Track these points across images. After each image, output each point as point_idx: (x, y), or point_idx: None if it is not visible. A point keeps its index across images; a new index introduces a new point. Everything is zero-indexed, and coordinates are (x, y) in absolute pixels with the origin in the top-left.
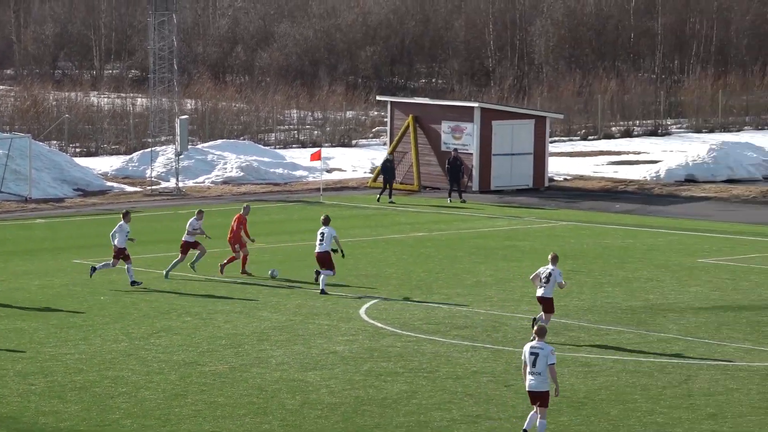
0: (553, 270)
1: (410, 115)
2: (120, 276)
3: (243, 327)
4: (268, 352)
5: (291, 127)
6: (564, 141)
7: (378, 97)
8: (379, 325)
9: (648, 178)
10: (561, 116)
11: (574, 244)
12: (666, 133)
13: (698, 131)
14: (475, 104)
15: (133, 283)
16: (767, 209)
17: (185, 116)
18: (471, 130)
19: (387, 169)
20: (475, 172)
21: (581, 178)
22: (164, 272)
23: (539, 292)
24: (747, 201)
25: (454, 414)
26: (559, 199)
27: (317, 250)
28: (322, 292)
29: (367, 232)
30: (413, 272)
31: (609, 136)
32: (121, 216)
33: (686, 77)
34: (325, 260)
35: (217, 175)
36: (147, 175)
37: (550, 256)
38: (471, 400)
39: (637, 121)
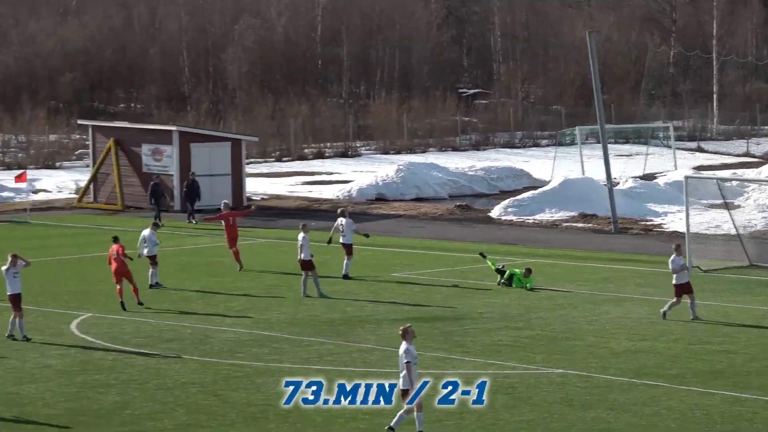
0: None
1: (111, 139)
2: None
3: None
4: None
5: None
6: (260, 162)
7: (79, 121)
8: (91, 339)
9: (341, 197)
10: (256, 139)
11: (275, 260)
12: (356, 155)
13: (386, 153)
14: (174, 128)
15: None
16: (452, 226)
17: None
18: (170, 153)
19: (155, 192)
20: (177, 193)
21: (278, 197)
22: None
23: (341, 239)
24: (434, 218)
25: (166, 423)
26: (257, 218)
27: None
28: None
29: (75, 251)
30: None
31: (302, 158)
32: None
33: (372, 102)
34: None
35: None
36: None
37: (339, 210)
38: (182, 410)
39: (329, 143)
